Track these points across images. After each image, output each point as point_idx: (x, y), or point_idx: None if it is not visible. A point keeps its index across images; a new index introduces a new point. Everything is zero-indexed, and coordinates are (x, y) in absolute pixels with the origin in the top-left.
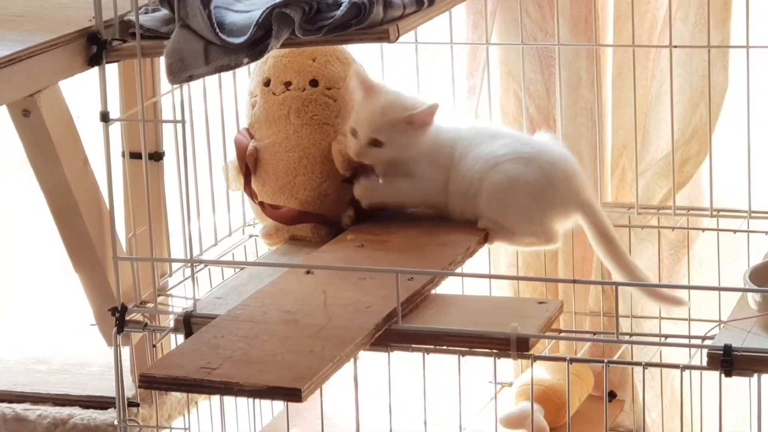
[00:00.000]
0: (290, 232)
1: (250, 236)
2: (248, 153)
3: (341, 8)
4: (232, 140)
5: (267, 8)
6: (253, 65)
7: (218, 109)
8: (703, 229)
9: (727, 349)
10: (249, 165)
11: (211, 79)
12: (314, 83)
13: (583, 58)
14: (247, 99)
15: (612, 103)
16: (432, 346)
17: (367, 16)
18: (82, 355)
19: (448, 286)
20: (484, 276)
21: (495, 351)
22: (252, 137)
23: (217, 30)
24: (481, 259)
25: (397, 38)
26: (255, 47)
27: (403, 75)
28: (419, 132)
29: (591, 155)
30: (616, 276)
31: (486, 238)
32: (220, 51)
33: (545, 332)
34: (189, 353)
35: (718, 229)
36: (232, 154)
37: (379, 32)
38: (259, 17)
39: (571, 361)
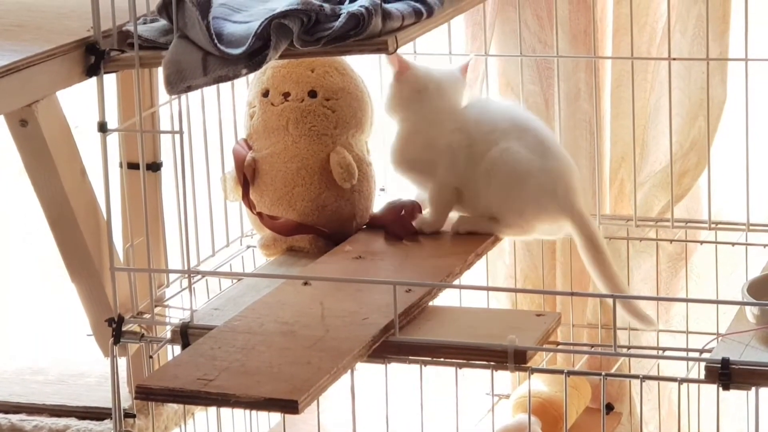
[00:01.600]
0: (288, 243)
1: (248, 247)
2: (246, 164)
3: (340, 19)
4: (230, 151)
5: (266, 19)
6: (251, 76)
7: (216, 120)
8: (702, 242)
9: (725, 362)
10: (247, 176)
11: (210, 90)
12: (313, 94)
13: (582, 69)
14: (246, 109)
15: (611, 115)
16: (429, 358)
17: (366, 27)
18: (78, 366)
19: (446, 298)
20: (481, 288)
21: (492, 363)
22: (250, 148)
23: (216, 41)
24: (479, 271)
25: (396, 49)
26: (253, 58)
27: None
28: None
29: (589, 167)
30: (600, 286)
31: (482, 252)
32: (219, 62)
33: (543, 344)
34: (186, 364)
35: (716, 242)
36: (230, 165)
37: (378, 43)
38: (258, 28)
39: (569, 373)
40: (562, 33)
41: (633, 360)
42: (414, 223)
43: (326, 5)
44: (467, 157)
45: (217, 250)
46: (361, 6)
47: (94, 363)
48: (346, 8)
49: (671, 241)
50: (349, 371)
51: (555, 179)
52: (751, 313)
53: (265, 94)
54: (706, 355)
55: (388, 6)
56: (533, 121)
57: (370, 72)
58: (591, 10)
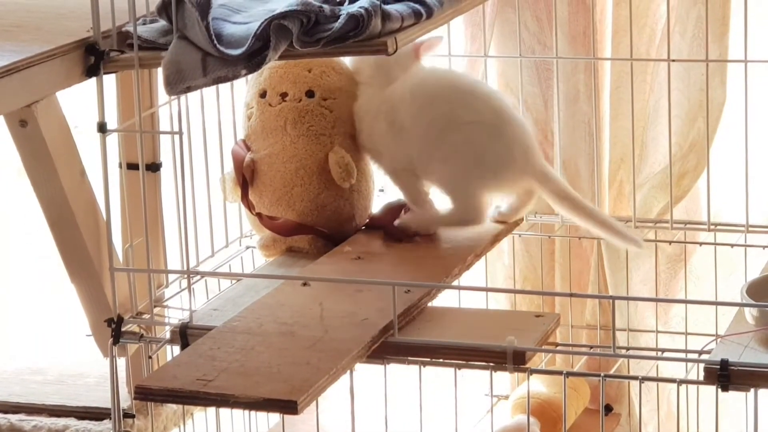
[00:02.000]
0: (287, 244)
1: (247, 247)
2: (245, 165)
3: (339, 20)
4: (229, 151)
5: (265, 20)
6: (250, 76)
7: (216, 120)
8: (701, 243)
9: (724, 363)
10: (246, 176)
11: (209, 91)
12: (310, 94)
13: (581, 71)
14: (244, 110)
15: (610, 116)
16: (428, 359)
17: (365, 28)
18: (78, 366)
19: (446, 299)
20: (481, 289)
21: (491, 364)
22: (249, 149)
23: (215, 41)
24: (478, 272)
25: (395, 51)
26: (253, 59)
27: None
28: None
29: (589, 168)
30: (587, 226)
31: (481, 253)
32: (218, 62)
33: (542, 345)
34: (185, 365)
35: (715, 243)
36: (229, 165)
37: (377, 44)
38: (258, 29)
39: (568, 374)
40: (561, 34)
41: (632, 361)
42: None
43: (326, 6)
44: (409, 136)
45: (216, 251)
46: (360, 7)
47: (93, 363)
48: (346, 9)
49: (670, 242)
50: (349, 372)
51: (510, 146)
52: (750, 314)
53: (263, 94)
54: (705, 357)
55: (388, 7)
56: (478, 85)
57: None
58: (590, 11)
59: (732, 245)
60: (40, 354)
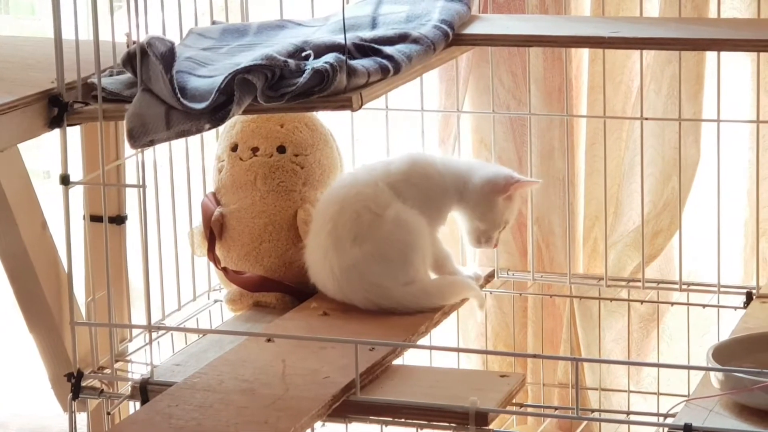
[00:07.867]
0: (255, 298)
1: (215, 301)
2: (214, 219)
3: (304, 75)
4: (198, 204)
5: (229, 74)
6: (221, 129)
7: (185, 173)
8: (673, 303)
9: (687, 427)
10: (214, 231)
11: (179, 143)
12: (282, 149)
13: (556, 127)
14: (214, 163)
15: (585, 173)
16: (390, 419)
17: (330, 83)
18: (40, 420)
19: (415, 357)
20: (443, 348)
21: (453, 425)
22: (218, 202)
23: (179, 95)
24: (450, 330)
25: (360, 106)
26: (217, 113)
27: (374, 141)
28: None
29: (563, 225)
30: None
31: (449, 311)
32: (182, 116)
33: (506, 406)
34: (141, 423)
35: (687, 303)
36: (198, 218)
37: (342, 100)
38: (222, 83)
39: None
40: (536, 90)
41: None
42: None
43: (291, 61)
44: None
45: (183, 304)
46: (325, 62)
47: (56, 417)
48: (311, 64)
49: (642, 302)
50: (309, 431)
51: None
52: (715, 378)
53: (234, 148)
54: (669, 420)
55: (354, 62)
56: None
57: (341, 126)
58: (565, 68)
59: (704, 306)
60: (2, 407)
